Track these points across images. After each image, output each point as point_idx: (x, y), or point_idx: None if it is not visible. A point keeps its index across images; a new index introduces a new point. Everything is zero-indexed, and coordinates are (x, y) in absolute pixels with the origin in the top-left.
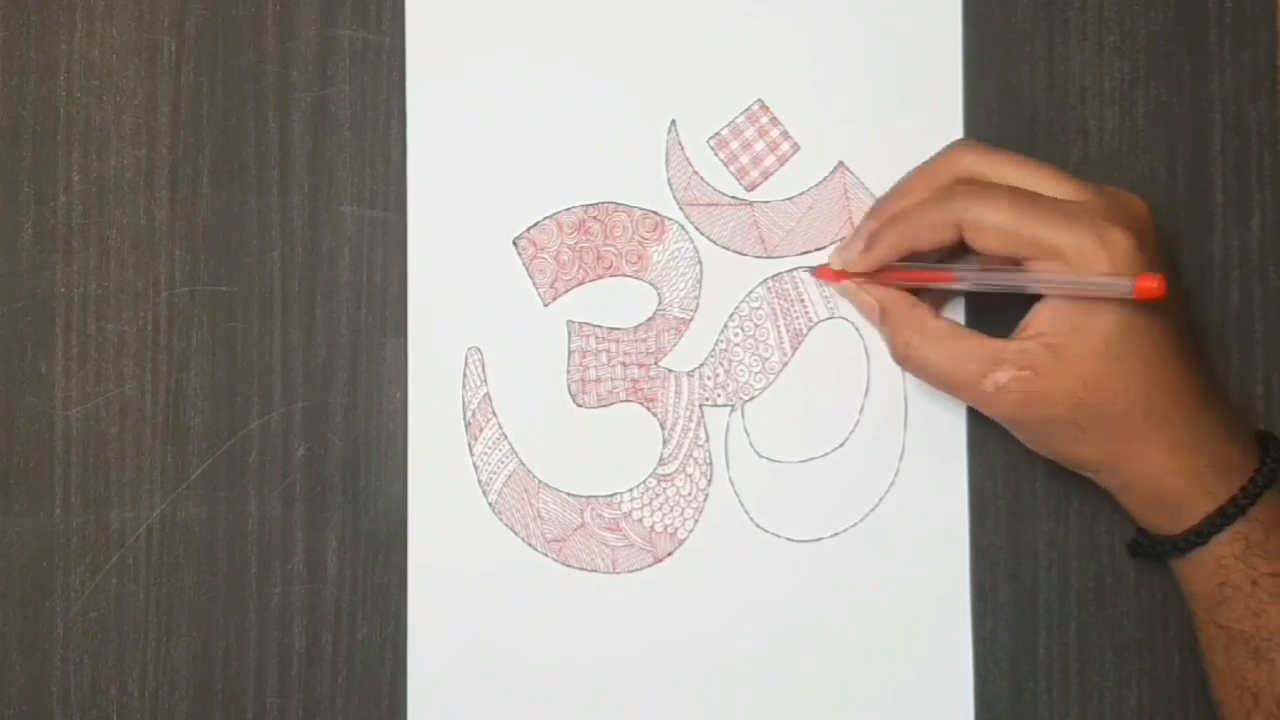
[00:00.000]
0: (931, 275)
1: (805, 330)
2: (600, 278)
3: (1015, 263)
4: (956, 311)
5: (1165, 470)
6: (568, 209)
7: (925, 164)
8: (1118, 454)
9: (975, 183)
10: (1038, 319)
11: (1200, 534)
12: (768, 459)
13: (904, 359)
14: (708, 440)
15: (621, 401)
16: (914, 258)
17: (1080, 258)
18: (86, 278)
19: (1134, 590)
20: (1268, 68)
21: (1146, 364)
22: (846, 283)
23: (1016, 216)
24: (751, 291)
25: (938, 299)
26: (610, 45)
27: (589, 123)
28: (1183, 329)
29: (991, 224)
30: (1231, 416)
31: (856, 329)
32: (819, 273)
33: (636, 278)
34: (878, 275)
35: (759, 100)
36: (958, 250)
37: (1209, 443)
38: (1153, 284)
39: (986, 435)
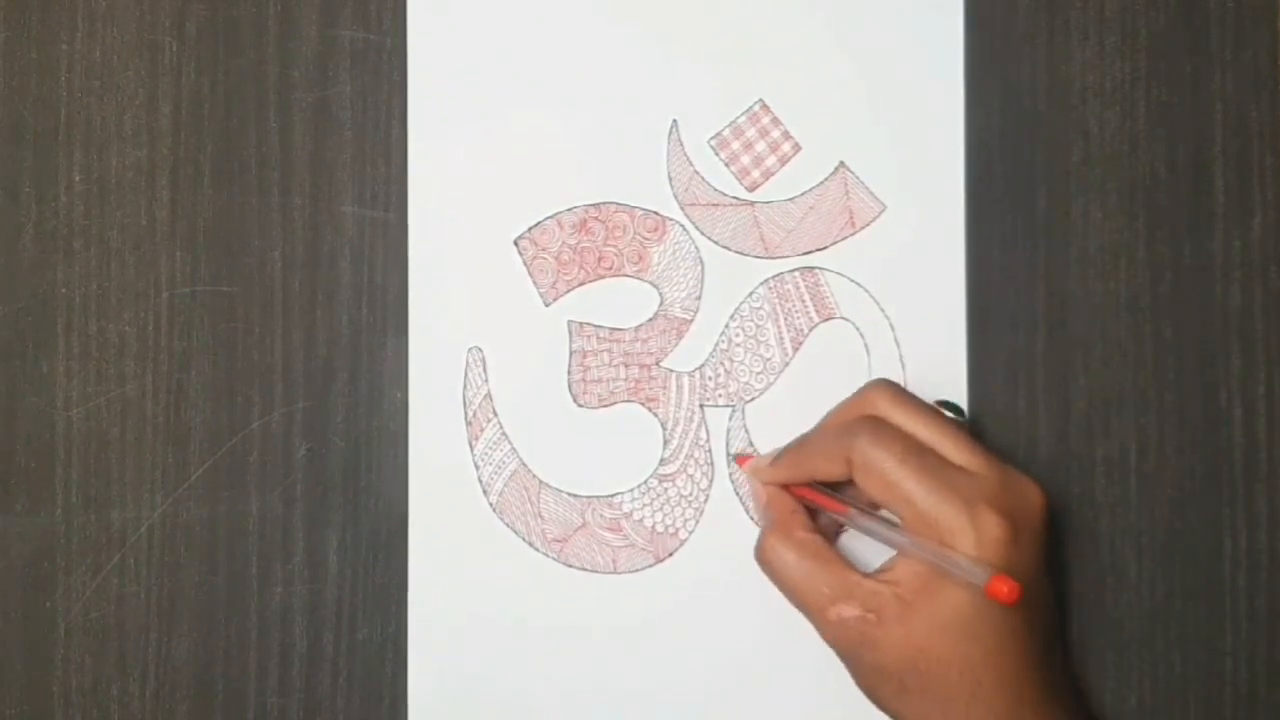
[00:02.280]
0: (827, 502)
1: (806, 330)
2: (601, 278)
3: None
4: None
5: None
6: (569, 209)
7: (846, 399)
8: None
9: (879, 424)
10: (899, 568)
11: None
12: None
13: (763, 559)
14: (709, 440)
15: (622, 401)
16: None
17: (949, 533)
18: (87, 278)
19: (1134, 590)
20: (1269, 67)
21: (985, 652)
22: (747, 475)
23: (902, 471)
24: (752, 292)
25: (836, 522)
26: (611, 45)
27: (590, 123)
28: (1039, 626)
29: (876, 469)
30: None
31: (857, 329)
32: (739, 457)
33: (637, 278)
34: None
35: (760, 100)
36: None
37: None
38: (1004, 588)
39: (984, 435)
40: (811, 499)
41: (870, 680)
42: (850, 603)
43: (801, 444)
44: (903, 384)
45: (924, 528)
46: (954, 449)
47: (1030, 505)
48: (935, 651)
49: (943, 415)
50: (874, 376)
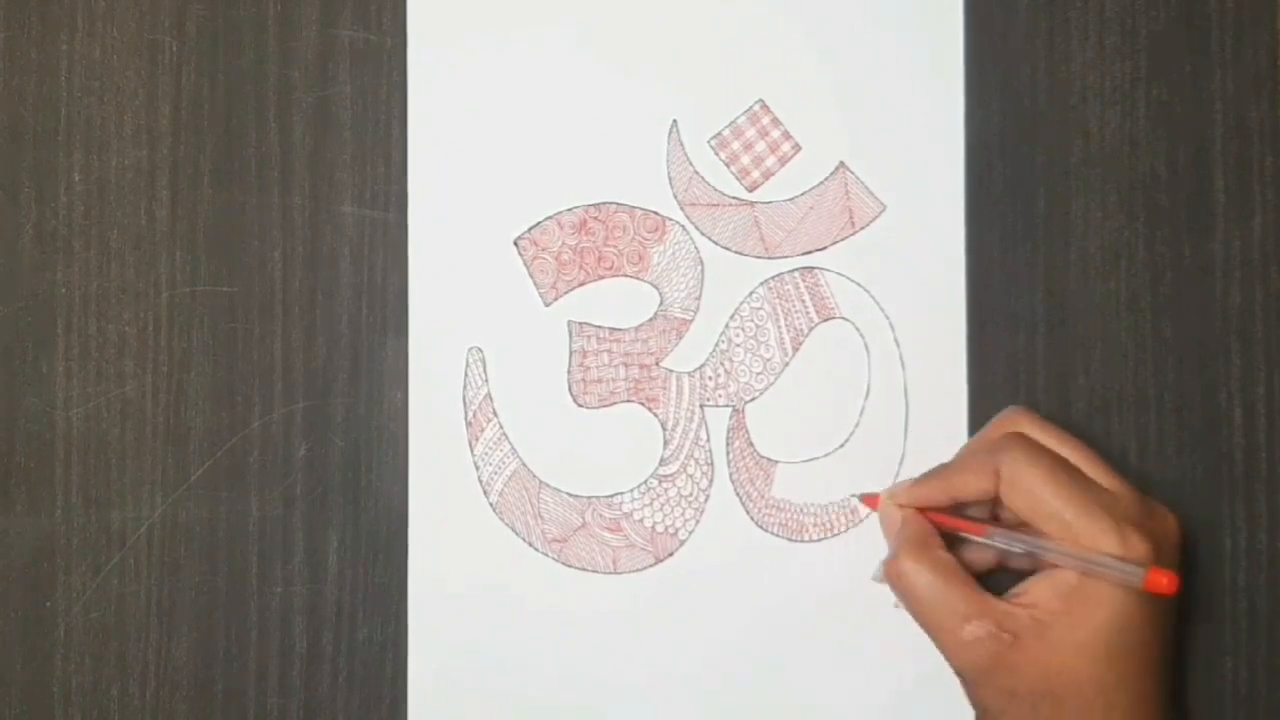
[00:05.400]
0: (963, 524)
1: (806, 331)
2: (601, 278)
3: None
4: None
5: None
6: (569, 209)
7: (985, 426)
8: None
9: (1029, 441)
10: (1035, 589)
11: None
12: (768, 459)
13: (895, 575)
14: (708, 440)
15: (622, 402)
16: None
17: (1097, 550)
18: (87, 278)
19: None
20: (1269, 68)
21: (1122, 673)
22: (882, 502)
23: (1051, 487)
24: (752, 292)
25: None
26: (612, 45)
27: (590, 123)
28: (1169, 647)
29: (1025, 484)
30: None
31: (857, 329)
32: (865, 498)
33: (637, 278)
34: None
35: (760, 100)
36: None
37: None
38: (1163, 579)
39: None
40: (950, 524)
41: (999, 703)
42: (984, 621)
43: (946, 465)
44: (903, 386)
45: (1071, 545)
46: (1097, 472)
47: (1169, 531)
48: (1072, 674)
49: (1083, 443)
50: (874, 379)
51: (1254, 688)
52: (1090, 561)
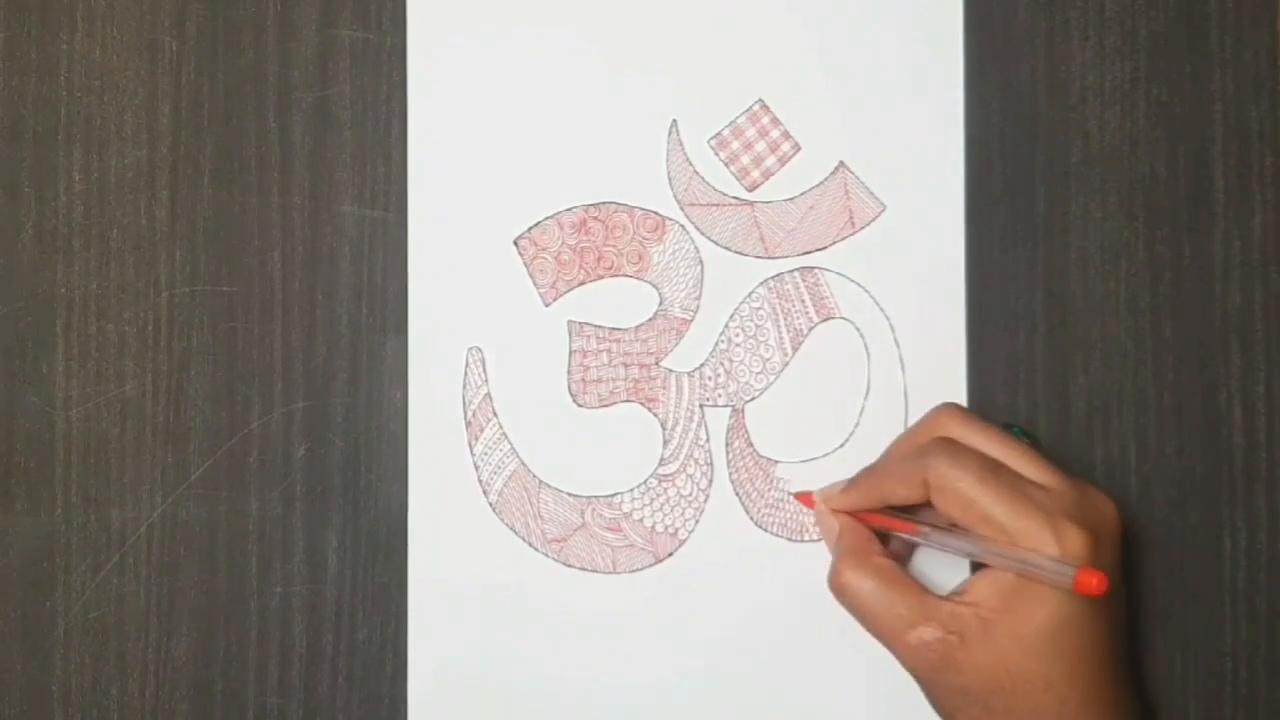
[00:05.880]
0: (897, 524)
1: (806, 330)
2: (601, 278)
3: None
4: None
5: None
6: (568, 209)
7: (912, 426)
8: None
9: (954, 445)
10: (977, 586)
11: None
12: (768, 459)
13: (838, 587)
14: (708, 440)
15: (622, 402)
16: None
17: (1031, 548)
18: (87, 277)
19: (1135, 591)
20: (1268, 68)
21: (1071, 668)
22: (817, 505)
23: (980, 489)
24: (752, 292)
25: (906, 546)
26: (611, 45)
27: (590, 122)
28: (1117, 633)
29: (954, 489)
30: (1139, 715)
31: (857, 329)
32: (799, 495)
33: (637, 278)
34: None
35: (760, 100)
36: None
37: None
38: (1093, 580)
39: None
40: (884, 525)
41: (953, 703)
42: (931, 625)
43: (874, 470)
44: (903, 386)
45: (1006, 546)
46: (1028, 467)
47: (1107, 519)
48: (1020, 670)
49: (1012, 436)
50: (873, 378)
51: (1254, 688)
52: (1023, 562)
